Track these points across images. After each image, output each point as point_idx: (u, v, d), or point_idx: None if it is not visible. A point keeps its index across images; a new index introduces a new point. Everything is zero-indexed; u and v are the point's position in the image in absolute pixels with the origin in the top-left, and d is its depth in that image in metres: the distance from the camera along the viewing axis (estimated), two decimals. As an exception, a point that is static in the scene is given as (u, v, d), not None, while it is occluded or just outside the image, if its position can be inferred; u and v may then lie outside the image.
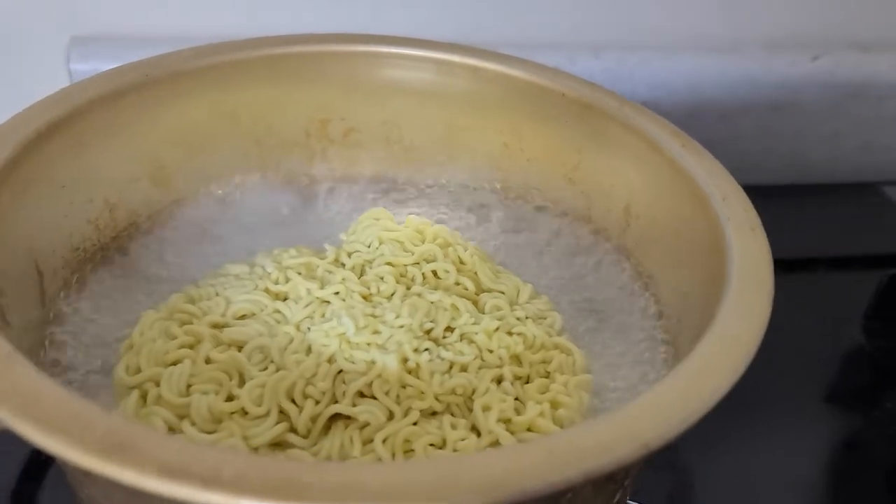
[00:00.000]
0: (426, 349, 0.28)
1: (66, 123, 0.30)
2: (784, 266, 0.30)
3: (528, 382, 0.29)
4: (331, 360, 0.28)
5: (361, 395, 0.27)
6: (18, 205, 0.28)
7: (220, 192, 0.37)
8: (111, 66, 0.49)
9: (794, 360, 0.44)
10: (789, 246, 0.47)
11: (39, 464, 0.37)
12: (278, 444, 0.26)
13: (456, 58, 0.37)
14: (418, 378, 0.27)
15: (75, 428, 0.19)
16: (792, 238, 0.48)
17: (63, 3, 0.48)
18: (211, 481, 0.18)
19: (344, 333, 0.28)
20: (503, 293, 0.32)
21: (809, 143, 0.59)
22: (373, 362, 0.27)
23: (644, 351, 0.31)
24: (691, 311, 0.29)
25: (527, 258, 0.36)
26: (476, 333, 0.30)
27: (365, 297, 0.31)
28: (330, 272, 0.32)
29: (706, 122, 0.56)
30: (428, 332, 0.29)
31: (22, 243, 0.28)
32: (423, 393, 0.27)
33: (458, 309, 0.30)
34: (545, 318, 0.31)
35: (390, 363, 0.27)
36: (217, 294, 0.31)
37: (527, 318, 0.31)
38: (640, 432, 0.20)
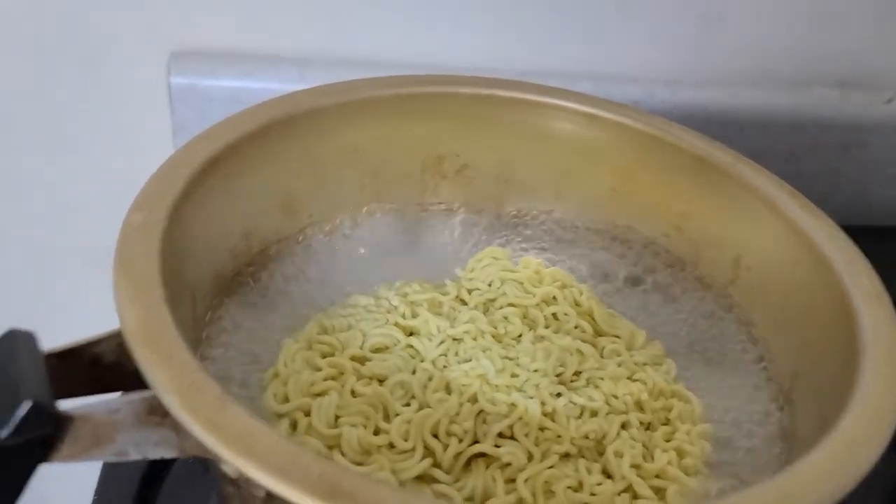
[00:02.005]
0: (559, 394, 0.30)
1: (221, 159, 0.32)
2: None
3: (648, 429, 0.31)
4: (472, 400, 0.29)
5: (501, 435, 0.29)
6: (183, 237, 0.30)
7: (339, 222, 0.39)
8: (208, 82, 0.51)
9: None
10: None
11: (158, 471, 0.39)
12: (420, 478, 0.28)
13: (574, 105, 0.38)
14: (555, 422, 0.29)
15: (294, 470, 0.20)
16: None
17: (163, 21, 0.50)
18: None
19: (484, 374, 0.30)
20: (619, 337, 0.34)
21: (875, 185, 0.60)
22: (514, 405, 0.29)
23: (753, 404, 0.33)
24: (814, 370, 0.30)
25: (631, 302, 0.37)
26: (601, 379, 0.31)
27: (495, 338, 0.32)
28: (455, 309, 0.34)
29: (773, 159, 0.58)
30: (558, 375, 0.31)
31: (186, 273, 0.30)
32: (559, 436, 0.29)
33: (583, 353, 0.32)
34: (661, 365, 0.33)
35: (532, 407, 0.29)
36: (350, 326, 0.33)
37: (644, 364, 0.33)
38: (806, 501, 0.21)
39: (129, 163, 0.54)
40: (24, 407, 0.21)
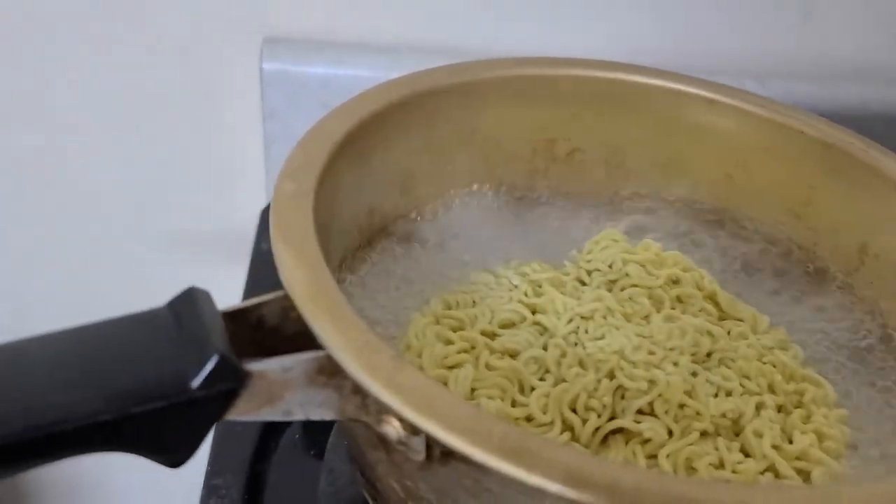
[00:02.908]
0: (695, 373, 0.30)
1: (355, 136, 0.32)
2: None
3: (780, 411, 0.30)
4: (610, 376, 0.29)
5: (640, 412, 0.29)
6: (327, 210, 0.30)
7: (452, 201, 0.39)
8: (299, 68, 0.51)
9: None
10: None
11: (268, 445, 0.39)
12: (558, 452, 0.28)
13: (691, 89, 0.38)
14: (695, 399, 0.29)
15: (477, 429, 0.21)
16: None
17: (256, 8, 0.51)
18: (612, 490, 0.20)
19: (621, 350, 0.30)
20: (743, 321, 0.34)
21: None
22: (653, 381, 0.29)
23: (884, 390, 0.32)
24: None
25: (748, 288, 0.37)
26: (733, 360, 0.31)
27: (624, 316, 0.32)
28: (577, 289, 0.34)
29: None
30: (693, 355, 0.31)
31: (326, 245, 0.30)
32: (699, 414, 0.29)
33: (713, 335, 0.32)
34: (787, 350, 0.33)
35: (675, 382, 0.29)
36: (475, 303, 0.33)
37: (773, 347, 0.32)
38: None
39: (220, 147, 0.56)
40: (213, 360, 0.21)
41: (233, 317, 0.24)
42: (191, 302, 0.23)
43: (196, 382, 0.21)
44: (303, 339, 0.24)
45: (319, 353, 0.23)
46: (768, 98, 0.38)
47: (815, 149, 0.36)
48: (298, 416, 0.24)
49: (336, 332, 0.23)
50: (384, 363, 0.22)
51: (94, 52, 0.52)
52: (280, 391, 0.23)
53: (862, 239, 0.35)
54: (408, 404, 0.21)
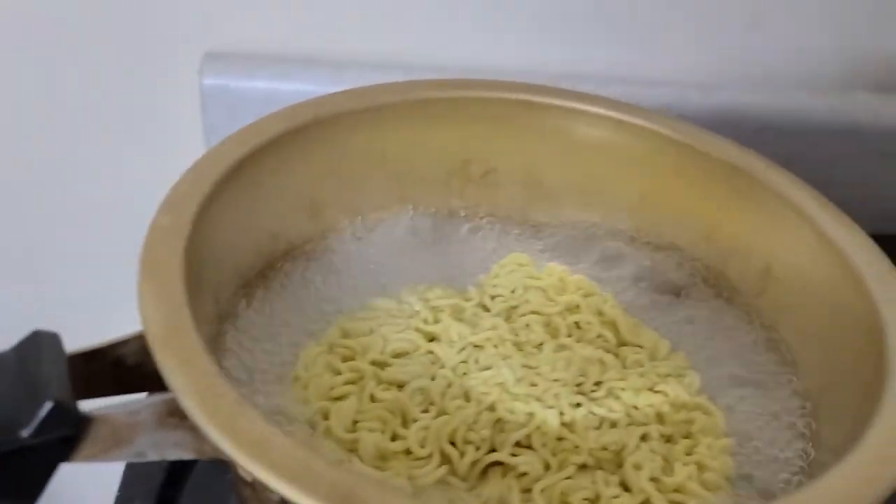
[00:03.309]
0: (579, 404, 0.30)
1: (248, 162, 0.32)
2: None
3: (669, 441, 0.30)
4: (491, 409, 0.29)
5: (518, 444, 0.29)
6: (208, 239, 0.30)
7: (363, 225, 0.39)
8: (241, 83, 0.51)
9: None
10: None
11: (181, 470, 0.39)
12: (437, 485, 0.28)
13: (600, 110, 0.38)
14: (573, 432, 0.29)
15: (306, 477, 0.21)
16: None
17: (197, 21, 0.51)
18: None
19: (503, 383, 0.30)
20: (642, 347, 0.34)
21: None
22: (532, 414, 0.29)
23: (776, 414, 0.32)
24: (840, 386, 0.30)
25: (657, 312, 0.37)
26: (623, 390, 0.31)
27: (516, 346, 0.32)
28: (477, 315, 0.34)
29: (810, 165, 0.57)
30: (578, 385, 0.31)
31: (210, 275, 0.30)
32: (577, 447, 0.28)
33: (604, 363, 0.32)
34: (684, 377, 0.33)
35: (551, 417, 0.28)
36: (372, 331, 0.33)
37: (667, 375, 0.32)
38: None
39: (162, 163, 0.55)
40: (46, 407, 0.21)
41: (88, 358, 0.24)
42: (35, 346, 0.22)
43: (28, 430, 0.21)
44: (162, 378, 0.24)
45: (170, 395, 0.23)
46: (678, 118, 0.38)
47: (721, 171, 0.36)
48: (153, 457, 0.24)
49: (181, 375, 0.23)
50: (225, 408, 0.22)
51: (37, 70, 0.51)
52: (129, 434, 0.23)
53: (766, 262, 0.35)
54: (241, 450, 0.21)
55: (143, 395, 0.24)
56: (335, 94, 0.37)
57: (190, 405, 0.22)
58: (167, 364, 0.23)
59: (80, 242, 0.58)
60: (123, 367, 0.25)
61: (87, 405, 0.24)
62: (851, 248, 0.31)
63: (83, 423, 0.22)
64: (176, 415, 0.23)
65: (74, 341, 0.26)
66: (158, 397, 0.23)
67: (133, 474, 0.38)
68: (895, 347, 0.27)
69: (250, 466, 0.21)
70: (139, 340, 0.25)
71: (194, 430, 0.24)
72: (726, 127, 0.50)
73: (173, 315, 0.25)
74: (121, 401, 0.23)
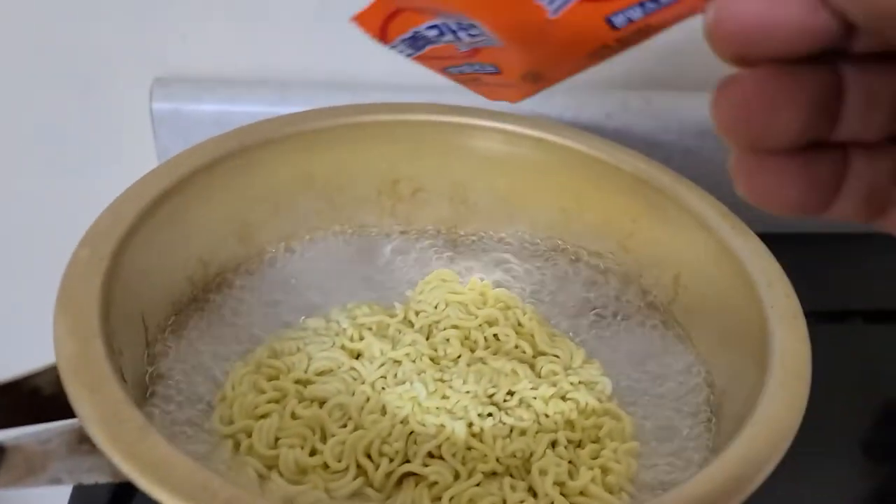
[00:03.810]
0: (489, 414, 0.31)
1: (172, 192, 0.34)
2: (821, 317, 0.32)
3: (579, 446, 0.32)
4: (404, 422, 0.31)
5: (431, 455, 0.30)
6: (132, 269, 0.31)
7: (295, 247, 0.41)
8: (191, 106, 0.53)
9: (832, 412, 0.46)
10: (825, 297, 0.49)
11: (127, 491, 0.40)
12: (355, 496, 0.30)
13: (521, 129, 0.40)
14: (482, 442, 0.30)
15: (202, 495, 0.22)
16: (827, 289, 0.50)
17: (146, 45, 0.52)
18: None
19: (416, 397, 0.31)
20: (558, 357, 0.35)
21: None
22: (442, 426, 0.30)
23: (685, 418, 0.34)
24: (735, 388, 0.31)
25: (579, 321, 0.39)
26: (534, 398, 0.32)
27: (433, 360, 0.33)
28: (400, 332, 0.35)
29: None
30: (490, 396, 0.32)
31: (135, 304, 0.32)
32: (485, 456, 0.30)
33: (517, 374, 0.33)
34: (597, 384, 0.34)
35: (458, 428, 0.30)
36: (299, 349, 0.35)
37: (580, 383, 0.34)
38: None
39: (112, 188, 0.57)
40: (-43, 439, 0.22)
41: (3, 390, 0.25)
42: (-52, 380, 0.24)
43: (-61, 462, 0.22)
44: (77, 406, 0.25)
45: (80, 423, 0.24)
46: (589, 134, 0.39)
47: (631, 183, 0.37)
48: (68, 482, 0.25)
49: (87, 403, 0.24)
50: (128, 434, 0.23)
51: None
52: (42, 461, 0.24)
53: (676, 270, 0.37)
54: (142, 474, 0.22)
55: (56, 424, 0.26)
56: (262, 121, 0.38)
57: (94, 432, 0.23)
58: (75, 393, 0.24)
59: (18, 269, 0.58)
60: (40, 397, 0.26)
61: (5, 435, 0.25)
62: (746, 255, 0.33)
63: (-6, 453, 0.23)
64: (87, 441, 0.25)
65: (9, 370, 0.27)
66: (68, 425, 0.24)
67: (82, 491, 0.39)
68: (775, 351, 0.28)
69: (150, 489, 0.22)
70: (54, 371, 0.26)
71: (106, 454, 0.25)
72: (667, 132, 0.52)
73: (85, 346, 0.26)
74: (36, 430, 0.25)
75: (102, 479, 0.25)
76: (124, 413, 0.24)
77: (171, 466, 0.23)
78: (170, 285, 0.35)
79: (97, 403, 0.24)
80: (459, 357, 0.34)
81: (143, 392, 0.32)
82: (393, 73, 0.53)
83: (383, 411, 0.31)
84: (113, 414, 0.24)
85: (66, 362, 0.25)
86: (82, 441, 0.25)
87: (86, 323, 0.27)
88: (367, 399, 0.32)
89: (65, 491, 0.40)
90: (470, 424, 0.31)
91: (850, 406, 0.47)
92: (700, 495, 0.23)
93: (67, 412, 0.26)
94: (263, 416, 0.32)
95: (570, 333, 0.38)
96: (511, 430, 0.31)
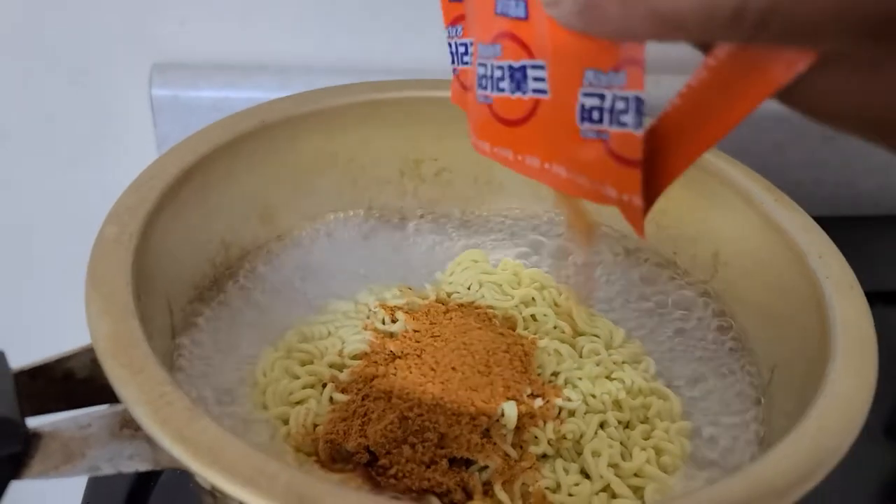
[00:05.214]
0: (538, 395, 0.30)
1: (194, 170, 0.32)
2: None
3: (627, 427, 0.31)
4: (449, 404, 0.29)
5: (483, 436, 0.29)
6: (159, 249, 0.30)
7: (318, 228, 0.39)
8: (190, 93, 0.51)
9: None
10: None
11: (146, 482, 0.39)
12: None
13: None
14: (533, 424, 0.29)
15: (261, 479, 0.21)
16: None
17: (145, 32, 0.50)
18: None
19: (462, 377, 0.30)
20: (598, 336, 0.34)
21: (859, 175, 0.60)
22: (493, 408, 0.29)
23: (732, 395, 0.33)
24: (789, 363, 0.30)
25: (613, 301, 0.38)
26: (580, 379, 0.31)
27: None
28: (432, 313, 0.34)
29: (760, 151, 0.58)
30: (538, 375, 0.31)
31: (161, 286, 0.30)
32: (537, 438, 0.29)
33: (560, 354, 0.32)
34: (640, 363, 0.33)
35: (509, 410, 0.29)
36: (329, 333, 0.33)
37: (623, 362, 0.33)
38: (774, 491, 0.21)
39: (113, 174, 0.55)
40: (-8, 425, 0.21)
41: (34, 374, 0.24)
42: (-21, 364, 0.22)
43: (-26, 449, 0.20)
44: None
45: (122, 407, 0.23)
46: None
47: (666, 160, 0.36)
48: (108, 470, 0.23)
49: (131, 385, 0.22)
50: (177, 416, 0.22)
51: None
52: (80, 448, 0.23)
53: (714, 247, 0.36)
54: (194, 457, 0.21)
55: (95, 408, 0.24)
56: (281, 98, 0.37)
57: (141, 414, 0.22)
58: (116, 375, 0.23)
59: (28, 257, 0.57)
60: (74, 382, 0.25)
61: (38, 422, 0.23)
62: (794, 228, 0.32)
63: (31, 440, 0.21)
64: (129, 426, 0.23)
65: (24, 358, 0.25)
66: (109, 409, 0.23)
67: (95, 490, 0.38)
68: (837, 321, 0.27)
69: (205, 472, 0.21)
70: (88, 353, 0.25)
71: (149, 440, 0.23)
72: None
73: (122, 325, 0.24)
74: (69, 416, 0.23)
75: (143, 466, 0.24)
76: (171, 395, 0.22)
77: (225, 449, 0.21)
78: (193, 267, 0.34)
79: (141, 385, 0.22)
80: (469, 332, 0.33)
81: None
82: (393, 60, 0.52)
83: (421, 395, 0.30)
84: (159, 396, 0.22)
85: (103, 343, 0.23)
86: (124, 426, 0.23)
87: (120, 302, 0.25)
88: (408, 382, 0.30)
89: (80, 484, 0.38)
90: (520, 405, 0.29)
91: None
92: (784, 470, 0.22)
93: (103, 397, 0.25)
94: (299, 403, 0.30)
95: (605, 315, 0.36)
96: (560, 412, 0.30)
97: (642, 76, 0.18)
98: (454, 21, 0.26)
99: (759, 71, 0.16)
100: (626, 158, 0.18)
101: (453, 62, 0.26)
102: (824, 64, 0.16)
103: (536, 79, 0.20)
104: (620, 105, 0.18)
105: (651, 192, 0.20)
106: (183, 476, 0.38)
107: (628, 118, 0.18)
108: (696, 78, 0.17)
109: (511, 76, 0.21)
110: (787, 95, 0.17)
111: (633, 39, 0.17)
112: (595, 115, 0.18)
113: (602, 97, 0.18)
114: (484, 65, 0.23)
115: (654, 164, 0.19)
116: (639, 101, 0.18)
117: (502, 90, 0.22)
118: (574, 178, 0.20)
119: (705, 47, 0.18)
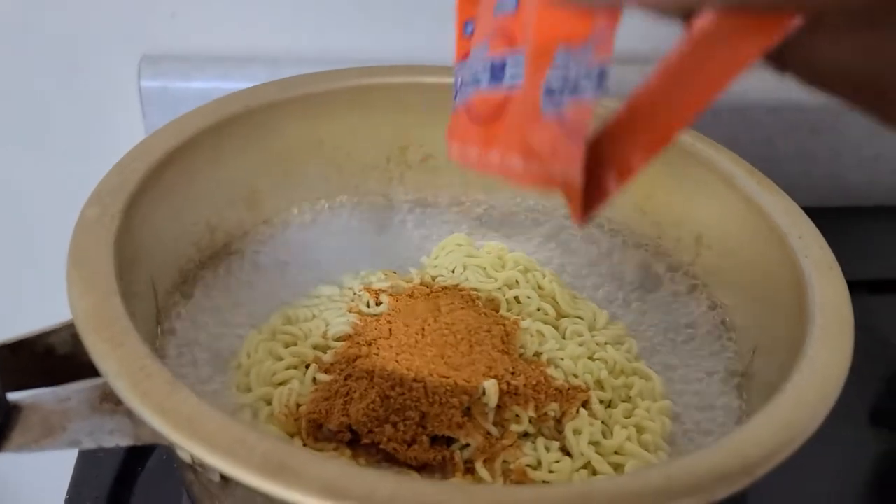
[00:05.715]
0: (520, 374, 0.30)
1: (179, 153, 0.32)
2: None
3: (609, 406, 0.31)
4: (431, 383, 0.29)
5: (462, 416, 0.29)
6: (142, 230, 0.30)
7: (303, 214, 0.39)
8: (179, 84, 0.51)
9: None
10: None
11: (132, 469, 0.39)
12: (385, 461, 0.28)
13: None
14: (514, 401, 0.29)
15: (240, 449, 0.21)
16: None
17: (134, 23, 0.50)
18: (368, 499, 0.20)
19: (443, 358, 0.30)
20: (582, 318, 0.34)
21: (848, 167, 0.61)
22: (474, 387, 0.29)
23: (713, 376, 0.33)
24: (770, 342, 0.30)
25: (598, 284, 0.38)
26: (562, 359, 0.31)
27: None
28: (416, 296, 0.34)
29: (749, 143, 0.58)
30: (519, 356, 0.31)
31: (145, 266, 0.30)
32: (517, 416, 0.29)
33: (543, 335, 0.32)
34: (623, 344, 0.33)
35: (490, 388, 0.29)
36: (314, 316, 0.33)
37: (606, 343, 0.33)
38: (747, 462, 0.21)
39: (102, 166, 0.55)
40: (-29, 397, 0.21)
41: (14, 348, 0.24)
42: (-42, 338, 0.22)
43: (-47, 420, 0.20)
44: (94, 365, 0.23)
45: (103, 381, 0.23)
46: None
47: (650, 144, 0.37)
48: (88, 444, 0.24)
49: (111, 359, 0.22)
50: (157, 388, 0.22)
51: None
52: (60, 422, 0.23)
53: (697, 230, 0.36)
54: (174, 428, 0.21)
55: (76, 383, 0.24)
56: (267, 83, 0.37)
57: (121, 387, 0.22)
58: (97, 349, 0.23)
59: (16, 246, 0.57)
60: (54, 358, 0.25)
61: (18, 396, 0.24)
62: (776, 211, 0.32)
63: (10, 412, 0.21)
64: (109, 400, 0.23)
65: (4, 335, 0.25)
66: (89, 383, 0.23)
67: (83, 474, 0.38)
68: (815, 299, 0.28)
69: (184, 444, 0.21)
70: (69, 329, 0.25)
71: (131, 414, 0.24)
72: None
73: (103, 302, 0.24)
74: (50, 390, 0.23)
75: (124, 441, 0.24)
76: (151, 367, 0.22)
77: (204, 420, 0.21)
78: (177, 250, 0.34)
79: (122, 358, 0.22)
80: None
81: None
82: (382, 51, 0.52)
83: (404, 374, 0.30)
84: (139, 369, 0.22)
85: (83, 317, 0.24)
86: (104, 400, 0.23)
87: (101, 281, 0.25)
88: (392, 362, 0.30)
89: (67, 470, 0.38)
90: (502, 383, 0.29)
91: (857, 375, 0.47)
92: (758, 439, 0.22)
93: (84, 373, 0.25)
94: (282, 384, 0.30)
95: (589, 298, 0.37)
96: (541, 390, 0.30)
97: (609, 49, 0.18)
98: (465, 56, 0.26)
99: (747, 32, 0.16)
100: (574, 130, 0.18)
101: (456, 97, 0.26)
102: (817, 22, 0.15)
103: (514, 65, 0.20)
104: (582, 76, 0.18)
105: (621, 174, 0.20)
106: (169, 462, 0.38)
107: (587, 86, 0.18)
108: (675, 50, 0.17)
109: (491, 70, 0.21)
110: (778, 57, 0.16)
111: (619, 6, 0.17)
112: (556, 86, 0.18)
113: (567, 72, 0.18)
114: (470, 67, 0.23)
115: (625, 146, 0.19)
116: (601, 74, 0.18)
117: (479, 82, 0.22)
118: (528, 167, 0.19)
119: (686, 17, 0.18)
